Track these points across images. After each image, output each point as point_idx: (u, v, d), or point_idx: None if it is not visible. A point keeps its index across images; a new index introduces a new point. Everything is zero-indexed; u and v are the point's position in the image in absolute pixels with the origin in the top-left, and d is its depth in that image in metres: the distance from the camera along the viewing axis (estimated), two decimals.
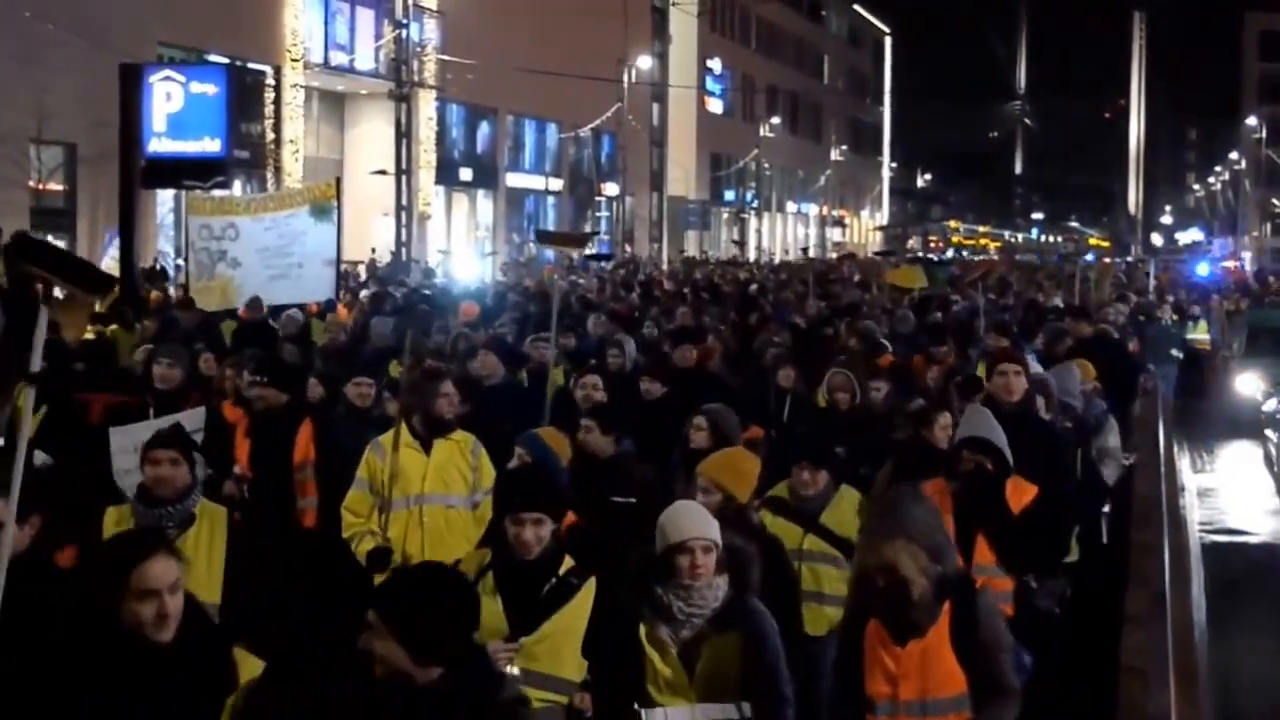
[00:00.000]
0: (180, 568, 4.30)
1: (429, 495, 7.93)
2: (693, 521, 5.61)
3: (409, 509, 7.87)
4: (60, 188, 34.17)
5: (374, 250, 38.12)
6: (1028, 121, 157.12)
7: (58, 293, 4.99)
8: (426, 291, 25.08)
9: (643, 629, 5.54)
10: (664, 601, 5.52)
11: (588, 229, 59.43)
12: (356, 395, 9.90)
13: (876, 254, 60.83)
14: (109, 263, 24.53)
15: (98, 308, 19.71)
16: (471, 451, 8.11)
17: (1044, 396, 9.55)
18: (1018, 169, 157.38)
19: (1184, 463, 20.67)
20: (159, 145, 26.78)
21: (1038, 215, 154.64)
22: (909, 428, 8.96)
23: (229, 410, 9.42)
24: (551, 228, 61.26)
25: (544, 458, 7.32)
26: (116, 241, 24.56)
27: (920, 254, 72.36)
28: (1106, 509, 10.36)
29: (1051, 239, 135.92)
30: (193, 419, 8.78)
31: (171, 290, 26.01)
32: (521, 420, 9.10)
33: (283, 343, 14.56)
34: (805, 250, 74.32)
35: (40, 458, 9.00)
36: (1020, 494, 7.14)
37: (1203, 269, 52.54)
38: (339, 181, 21.34)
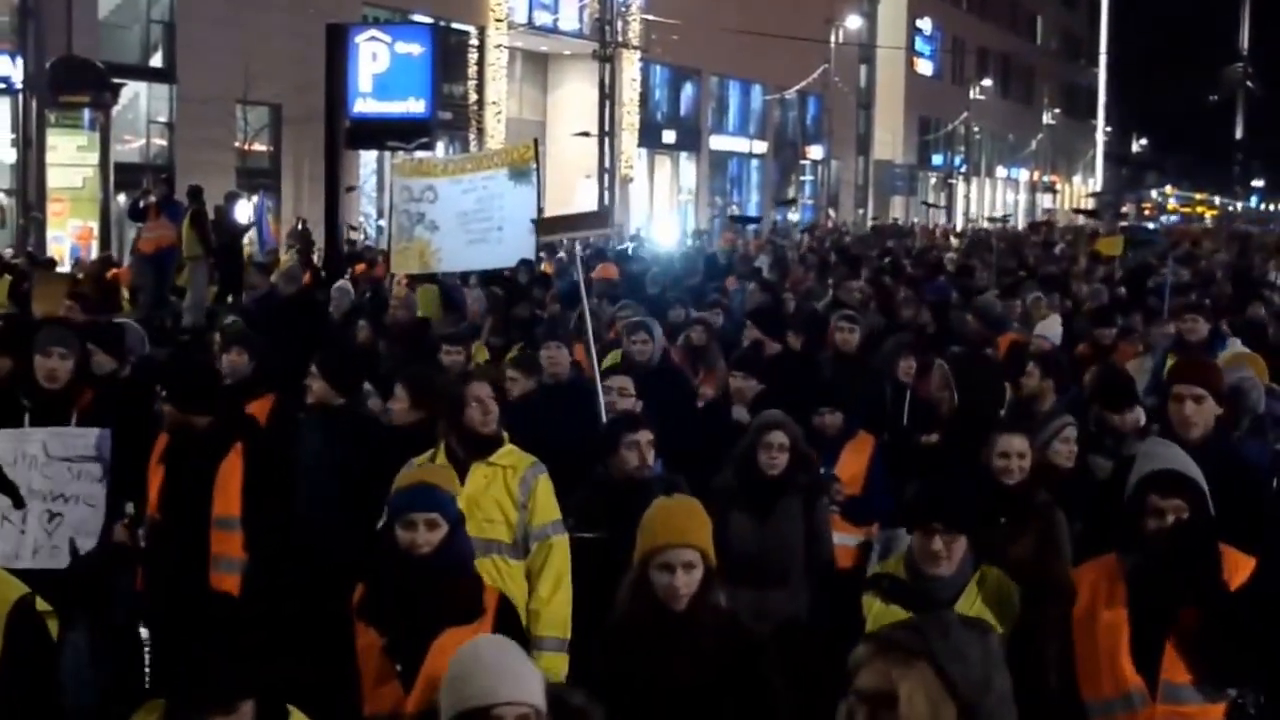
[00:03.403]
0: None
1: None
2: (502, 674, 3.51)
3: None
4: (265, 148, 34.61)
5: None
6: (1250, 84, 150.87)
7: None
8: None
9: None
10: None
11: (791, 193, 58.32)
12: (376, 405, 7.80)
13: (1077, 211, 58.51)
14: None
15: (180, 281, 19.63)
16: (522, 480, 6.20)
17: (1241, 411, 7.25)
18: (1238, 134, 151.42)
19: None
20: (364, 106, 26.50)
21: (1258, 183, 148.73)
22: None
23: None
24: (755, 192, 60.48)
25: (455, 519, 4.87)
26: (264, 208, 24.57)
27: (1132, 221, 69.33)
28: None
29: (1273, 207, 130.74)
30: (75, 441, 6.45)
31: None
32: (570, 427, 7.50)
33: (350, 319, 12.76)
34: (1004, 218, 70.95)
35: None
36: (1235, 571, 4.61)
37: None
38: (536, 143, 20.67)
